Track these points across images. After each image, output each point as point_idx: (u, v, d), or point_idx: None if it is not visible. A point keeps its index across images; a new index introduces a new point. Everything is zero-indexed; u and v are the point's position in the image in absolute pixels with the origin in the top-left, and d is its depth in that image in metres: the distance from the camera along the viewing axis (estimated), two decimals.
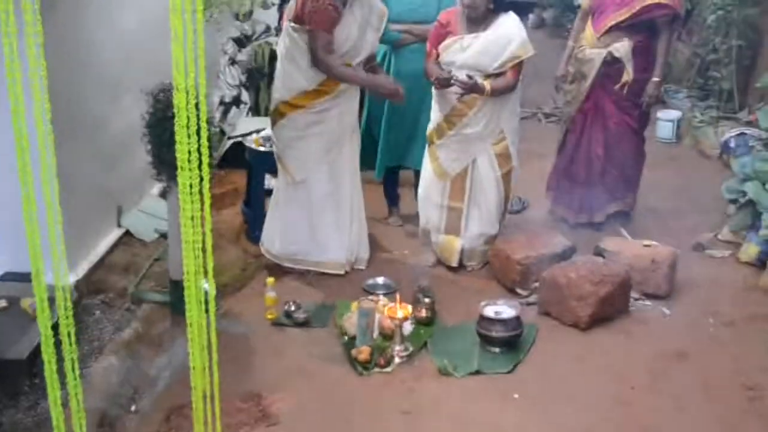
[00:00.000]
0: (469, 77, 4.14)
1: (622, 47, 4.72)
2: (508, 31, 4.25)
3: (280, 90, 4.28)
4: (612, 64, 4.77)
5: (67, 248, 3.90)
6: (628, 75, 4.75)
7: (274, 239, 4.44)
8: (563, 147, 5.15)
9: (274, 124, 4.36)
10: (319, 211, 4.35)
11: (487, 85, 4.19)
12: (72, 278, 3.96)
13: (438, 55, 4.33)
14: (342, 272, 4.44)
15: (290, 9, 4.20)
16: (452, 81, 4.16)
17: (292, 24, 4.13)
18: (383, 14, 4.35)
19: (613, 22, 4.72)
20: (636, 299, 4.18)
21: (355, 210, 4.47)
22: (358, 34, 4.17)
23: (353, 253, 4.50)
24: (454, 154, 4.39)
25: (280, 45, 4.33)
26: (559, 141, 5.21)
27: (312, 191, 4.32)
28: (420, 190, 4.63)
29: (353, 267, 4.53)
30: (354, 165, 4.47)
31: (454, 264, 4.50)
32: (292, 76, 4.20)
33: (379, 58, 4.84)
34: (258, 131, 4.97)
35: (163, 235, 4.48)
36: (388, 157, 5.05)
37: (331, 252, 4.41)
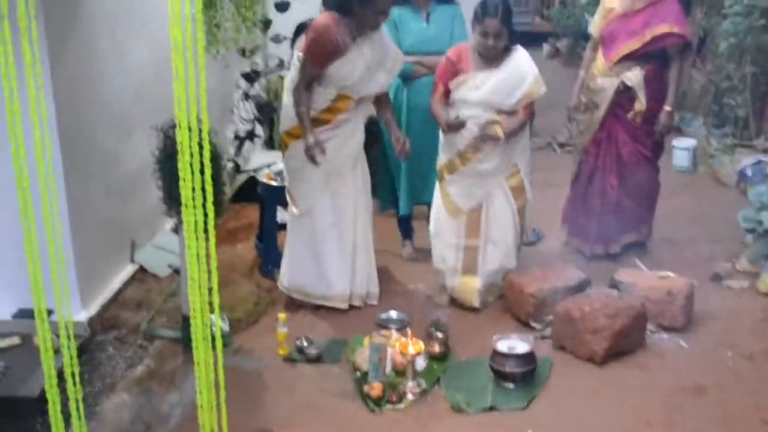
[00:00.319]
0: (483, 128, 4.16)
1: (634, 76, 4.70)
2: (522, 69, 4.22)
3: (284, 120, 4.32)
4: (624, 93, 4.76)
5: (81, 285, 3.99)
6: (640, 104, 4.73)
7: (284, 272, 4.45)
8: (577, 178, 5.12)
9: (283, 156, 4.40)
10: (321, 243, 4.33)
11: (500, 131, 4.16)
12: (85, 315, 3.98)
13: (446, 92, 4.30)
14: (345, 306, 4.41)
15: (301, 41, 4.23)
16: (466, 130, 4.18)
17: (298, 54, 4.17)
18: (399, 59, 4.36)
19: (624, 52, 4.71)
20: (652, 332, 4.12)
21: (360, 242, 4.43)
22: (365, 72, 4.15)
23: (363, 288, 4.48)
24: (466, 189, 4.34)
25: (288, 76, 4.35)
26: (573, 172, 5.18)
27: (315, 222, 4.32)
28: (431, 228, 4.57)
29: (365, 302, 4.50)
30: (359, 197, 4.42)
31: (476, 305, 4.40)
32: (290, 105, 4.20)
33: (392, 91, 4.86)
34: (270, 165, 4.98)
35: (177, 271, 4.48)
36: (412, 193, 5.04)
37: (335, 285, 4.38)
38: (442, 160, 4.41)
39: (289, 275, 4.43)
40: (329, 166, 4.23)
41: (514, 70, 4.21)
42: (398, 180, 5.03)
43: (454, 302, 4.49)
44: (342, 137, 4.26)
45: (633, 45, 4.68)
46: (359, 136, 4.38)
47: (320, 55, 4.02)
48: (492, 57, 4.19)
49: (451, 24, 4.85)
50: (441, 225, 4.46)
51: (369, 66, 4.15)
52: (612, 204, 4.94)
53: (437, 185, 4.48)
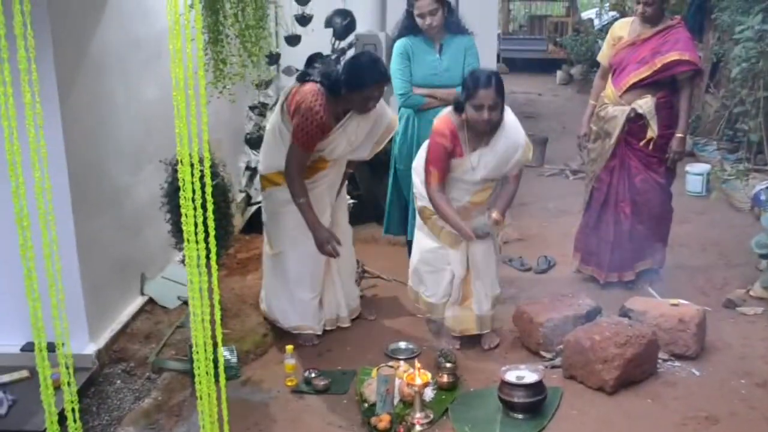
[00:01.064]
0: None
1: (645, 104, 4.70)
2: (513, 139, 4.06)
3: (262, 162, 4.31)
4: (636, 120, 4.76)
5: (89, 317, 4.01)
6: (652, 132, 4.73)
7: (263, 297, 4.54)
8: (589, 206, 5.10)
9: (261, 194, 4.43)
10: (294, 283, 4.32)
11: (499, 217, 4.10)
12: (93, 347, 3.99)
13: (442, 177, 4.04)
14: (316, 342, 4.40)
15: (287, 91, 4.16)
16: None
17: (284, 109, 4.12)
18: (391, 129, 4.34)
19: (634, 80, 4.72)
20: (664, 360, 4.07)
21: (342, 273, 4.49)
22: (346, 147, 4.16)
23: (333, 313, 4.51)
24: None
25: (272, 117, 4.30)
26: (585, 200, 5.17)
27: (288, 264, 4.30)
28: (419, 269, 4.36)
29: (337, 326, 4.54)
30: (338, 228, 4.40)
31: (477, 331, 4.29)
32: (272, 152, 4.18)
33: (402, 123, 4.88)
34: None
35: (186, 303, 4.50)
36: None
37: (305, 320, 4.38)
38: (422, 203, 4.22)
39: (266, 302, 4.49)
40: (299, 216, 4.16)
41: (507, 142, 4.05)
42: (411, 206, 5.01)
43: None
44: (319, 189, 4.24)
45: (642, 73, 4.69)
46: (340, 181, 4.39)
47: (308, 142, 3.99)
48: (485, 131, 4.03)
49: (463, 56, 4.83)
50: (435, 262, 4.25)
51: (351, 143, 4.16)
52: (625, 232, 4.92)
53: (423, 227, 4.30)
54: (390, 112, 4.38)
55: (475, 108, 3.92)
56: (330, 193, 4.34)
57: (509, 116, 4.09)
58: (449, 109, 4.14)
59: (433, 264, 4.27)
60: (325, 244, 4.08)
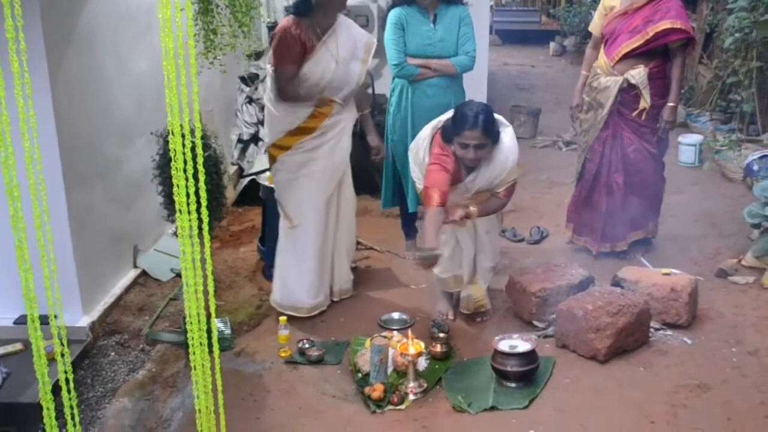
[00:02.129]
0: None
1: (638, 74, 4.68)
2: (506, 157, 3.98)
3: (267, 134, 4.28)
4: (628, 91, 4.74)
5: (82, 290, 4.01)
6: (645, 102, 4.71)
7: (277, 288, 4.38)
8: (582, 177, 5.10)
9: (270, 169, 4.36)
10: (310, 255, 4.28)
11: (473, 214, 4.01)
12: (87, 320, 3.99)
13: (444, 199, 3.86)
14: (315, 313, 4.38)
15: (270, 55, 4.20)
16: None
17: (269, 67, 4.17)
18: (371, 46, 4.31)
19: (626, 50, 4.69)
20: (656, 329, 4.10)
21: (343, 242, 4.46)
22: (337, 68, 4.12)
23: (338, 284, 4.51)
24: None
25: (266, 91, 4.30)
26: (578, 171, 5.16)
27: (307, 233, 4.26)
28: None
29: (341, 298, 4.53)
30: (344, 198, 4.42)
31: (489, 305, 4.33)
32: (275, 116, 4.19)
33: (395, 93, 4.86)
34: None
35: (179, 275, 4.49)
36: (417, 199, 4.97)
37: (318, 295, 4.37)
38: (422, 186, 4.06)
39: (281, 292, 4.35)
40: (322, 176, 4.22)
41: (500, 159, 3.97)
42: (405, 179, 5.00)
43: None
44: (330, 143, 4.23)
45: (635, 43, 4.66)
46: (347, 140, 4.34)
47: (288, 55, 4.00)
48: (473, 167, 3.96)
49: (458, 26, 4.79)
50: (445, 240, 4.17)
51: (338, 61, 4.12)
52: (618, 202, 4.93)
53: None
54: (365, 32, 4.37)
55: (461, 146, 3.85)
56: (337, 154, 4.28)
57: (506, 137, 3.99)
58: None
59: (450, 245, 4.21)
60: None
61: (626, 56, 4.71)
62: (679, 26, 4.61)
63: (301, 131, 4.15)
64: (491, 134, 3.87)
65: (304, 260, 4.29)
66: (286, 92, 4.08)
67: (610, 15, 4.82)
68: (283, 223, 4.32)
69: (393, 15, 4.81)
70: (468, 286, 4.27)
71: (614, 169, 4.90)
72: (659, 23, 4.61)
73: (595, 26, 4.98)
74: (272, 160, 4.29)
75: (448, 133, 3.92)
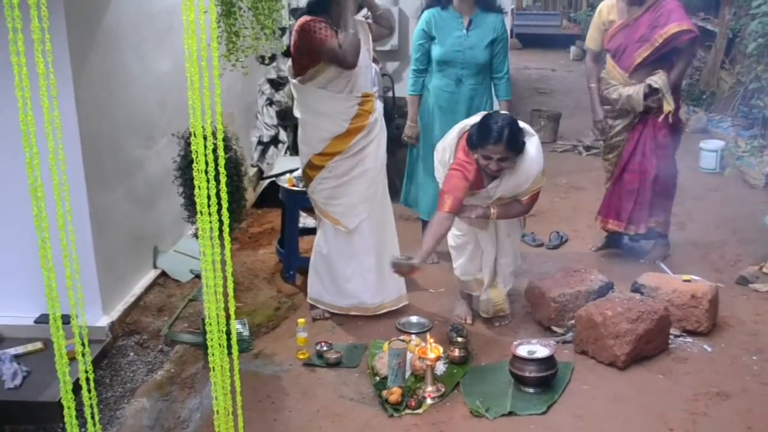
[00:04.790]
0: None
1: (659, 78, 4.65)
2: (529, 166, 3.92)
3: (309, 145, 4.17)
4: (650, 95, 4.70)
5: (102, 290, 4.03)
6: (669, 105, 4.67)
7: (323, 293, 4.35)
8: (612, 174, 5.03)
9: (310, 180, 4.21)
10: (369, 254, 4.27)
11: (492, 215, 4.00)
12: (106, 320, 4.02)
13: (457, 207, 3.84)
14: (328, 316, 4.37)
15: (289, 69, 4.14)
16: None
17: (294, 81, 4.10)
18: (367, 30, 4.18)
19: (639, 59, 4.66)
20: (676, 336, 4.07)
21: (389, 246, 4.38)
22: (365, 55, 4.08)
23: (395, 293, 4.43)
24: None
25: (296, 109, 4.24)
26: (608, 171, 5.09)
27: (365, 234, 4.24)
28: (452, 242, 4.27)
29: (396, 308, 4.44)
30: (385, 200, 4.38)
31: (508, 309, 4.33)
32: (318, 126, 4.11)
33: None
34: (292, 171, 4.98)
35: (198, 276, 4.52)
36: (429, 210, 4.85)
37: (375, 296, 4.34)
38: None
39: (339, 296, 4.33)
40: (372, 174, 4.19)
41: (524, 169, 3.92)
42: (422, 185, 4.99)
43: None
44: (376, 141, 4.20)
45: (645, 51, 4.64)
46: (385, 134, 4.31)
47: (323, 31, 3.89)
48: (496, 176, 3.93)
49: (492, 35, 4.68)
50: (464, 242, 4.20)
51: (364, 42, 4.06)
52: (641, 188, 4.89)
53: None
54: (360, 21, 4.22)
55: (484, 157, 3.82)
56: (382, 150, 4.25)
57: (531, 147, 3.92)
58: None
59: (455, 240, 4.24)
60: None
61: (640, 65, 4.68)
62: (686, 27, 4.58)
63: (350, 133, 4.09)
64: (515, 147, 3.83)
65: (363, 261, 4.27)
66: (348, 54, 3.88)
67: (612, 29, 4.76)
68: (330, 230, 4.25)
69: (424, 17, 4.73)
70: (488, 289, 4.26)
71: (638, 161, 4.85)
72: (666, 27, 4.57)
73: (594, 41, 4.91)
74: (317, 169, 4.16)
75: (472, 142, 3.90)
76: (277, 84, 6.29)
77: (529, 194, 4.03)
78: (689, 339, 4.07)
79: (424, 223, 5.04)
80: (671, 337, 4.04)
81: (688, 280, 4.26)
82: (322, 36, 3.89)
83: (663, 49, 4.61)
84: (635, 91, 4.70)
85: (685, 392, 3.63)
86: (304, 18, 3.97)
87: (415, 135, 4.89)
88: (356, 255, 4.27)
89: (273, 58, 5.77)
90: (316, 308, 4.37)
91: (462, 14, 4.68)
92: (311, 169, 4.19)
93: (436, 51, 4.69)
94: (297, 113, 4.23)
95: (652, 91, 4.68)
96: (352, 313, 4.33)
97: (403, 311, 4.43)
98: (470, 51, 4.67)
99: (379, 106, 4.27)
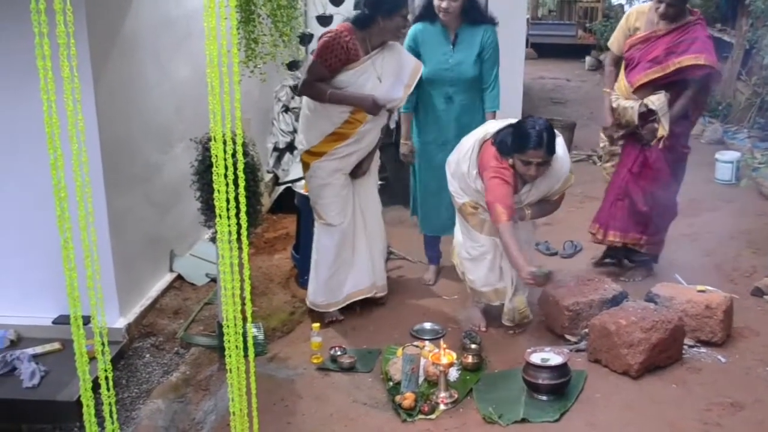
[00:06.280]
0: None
1: (657, 99, 4.49)
2: (559, 167, 4.03)
3: (303, 140, 4.29)
4: (646, 116, 4.56)
5: (119, 292, 4.07)
6: (663, 129, 4.49)
7: (316, 291, 4.40)
8: (611, 183, 4.98)
9: (305, 176, 4.39)
10: (349, 250, 4.38)
11: (526, 216, 4.11)
12: (123, 321, 4.06)
13: (511, 212, 3.90)
14: (341, 318, 4.43)
15: (308, 59, 4.29)
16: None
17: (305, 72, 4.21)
18: (417, 71, 4.27)
19: (644, 80, 4.52)
20: (690, 346, 4.06)
21: (375, 237, 4.49)
22: (380, 85, 4.11)
23: (381, 279, 4.56)
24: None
25: (303, 102, 4.32)
26: (606, 182, 5.07)
27: (345, 232, 4.33)
28: (467, 255, 4.28)
29: (378, 294, 4.57)
30: (372, 195, 4.48)
31: (531, 317, 4.34)
32: (311, 122, 4.21)
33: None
34: None
35: (214, 280, 4.56)
36: (429, 226, 4.90)
37: (362, 282, 4.45)
38: (460, 200, 4.19)
39: (324, 293, 4.39)
40: (346, 177, 4.28)
41: (555, 169, 4.02)
42: (421, 203, 4.94)
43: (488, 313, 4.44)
44: (365, 148, 4.27)
45: (653, 74, 4.49)
46: (377, 141, 4.38)
47: (329, 59, 4.01)
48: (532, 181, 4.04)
49: (479, 49, 4.50)
50: (487, 256, 4.20)
51: (381, 79, 4.12)
52: (634, 198, 4.77)
53: (469, 221, 4.21)
54: (414, 58, 4.35)
55: (524, 163, 3.88)
56: (370, 157, 4.37)
57: (559, 148, 3.99)
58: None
59: (470, 252, 4.25)
60: (375, 107, 4.08)
61: (646, 85, 4.54)
62: (702, 62, 4.40)
63: (337, 136, 4.17)
64: (553, 151, 3.90)
65: (335, 259, 4.35)
66: (307, 86, 4.10)
67: (633, 38, 4.63)
68: (318, 226, 4.35)
69: (410, 33, 4.55)
70: (513, 298, 4.27)
71: (635, 175, 4.74)
72: (681, 57, 4.41)
73: (617, 44, 4.79)
74: (306, 167, 4.31)
75: (506, 148, 3.91)
76: (296, 90, 6.34)
77: (560, 194, 4.11)
78: (703, 349, 4.06)
79: (425, 237, 5.05)
80: (685, 347, 4.03)
81: (703, 291, 4.25)
82: (323, 54, 4.01)
83: (673, 77, 4.47)
84: (632, 106, 4.59)
85: (698, 402, 3.62)
86: (342, 26, 4.08)
87: (410, 152, 4.82)
88: (340, 253, 4.34)
89: (297, 64, 5.81)
90: (328, 312, 4.40)
91: (448, 29, 4.51)
92: (303, 165, 4.34)
93: (423, 69, 4.42)
94: (302, 109, 4.34)
95: (649, 112, 4.54)
96: (349, 301, 4.43)
97: (417, 317, 4.45)
98: (458, 67, 4.52)
99: (379, 123, 4.29)
